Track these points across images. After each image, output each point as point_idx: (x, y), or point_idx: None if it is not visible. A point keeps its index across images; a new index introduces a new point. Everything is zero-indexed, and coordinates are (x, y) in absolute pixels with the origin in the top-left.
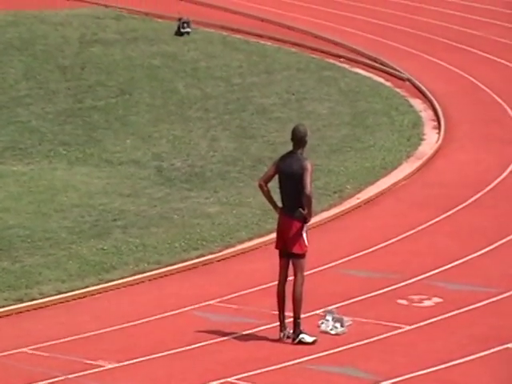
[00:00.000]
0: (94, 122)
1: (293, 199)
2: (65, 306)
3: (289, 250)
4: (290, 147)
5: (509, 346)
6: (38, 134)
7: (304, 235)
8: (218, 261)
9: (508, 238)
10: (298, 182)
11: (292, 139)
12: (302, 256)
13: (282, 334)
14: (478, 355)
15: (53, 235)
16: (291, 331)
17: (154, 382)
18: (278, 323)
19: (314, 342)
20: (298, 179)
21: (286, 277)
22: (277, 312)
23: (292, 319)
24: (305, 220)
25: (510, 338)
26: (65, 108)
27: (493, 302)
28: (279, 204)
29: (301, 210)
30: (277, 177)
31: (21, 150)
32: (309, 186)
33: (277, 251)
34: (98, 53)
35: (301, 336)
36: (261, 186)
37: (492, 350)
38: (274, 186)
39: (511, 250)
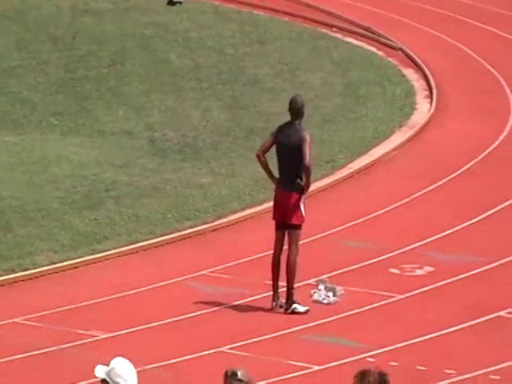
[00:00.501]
0: (86, 92)
1: (291, 170)
2: (57, 276)
3: (287, 222)
4: (282, 117)
5: (500, 314)
6: (30, 105)
7: (301, 206)
8: (211, 231)
9: (500, 207)
10: (297, 153)
11: (289, 110)
12: (299, 227)
13: (274, 304)
14: (469, 323)
15: (45, 206)
16: (284, 301)
17: (147, 351)
18: (271, 293)
19: (306, 312)
20: (296, 150)
21: (282, 247)
22: (270, 282)
23: (285, 289)
24: (302, 191)
25: (502, 306)
26: (56, 78)
27: (485, 270)
28: (276, 175)
29: (299, 181)
30: (274, 148)
31: (13, 121)
32: (308, 157)
33: (271, 222)
34: (89, 23)
35: (293, 306)
36: (258, 157)
37: (484, 319)
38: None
39: (503, 219)
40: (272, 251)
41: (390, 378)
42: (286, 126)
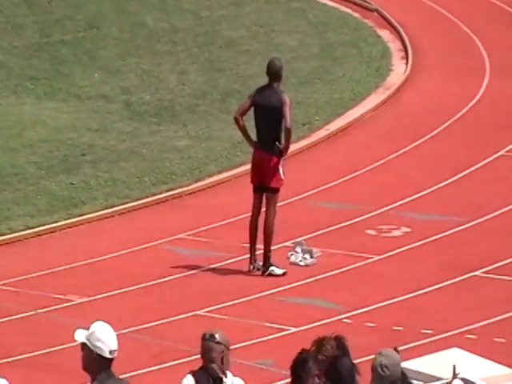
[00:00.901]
0: (62, 57)
1: (269, 133)
2: (34, 241)
3: (266, 185)
4: (258, 80)
5: (476, 273)
6: (5, 69)
7: (280, 169)
8: (188, 194)
9: (475, 167)
10: (276, 116)
11: (267, 73)
12: (277, 190)
13: (251, 267)
14: (446, 283)
15: (21, 170)
16: (261, 263)
17: (123, 315)
18: (249, 255)
19: (283, 274)
20: (276, 113)
21: (260, 210)
22: (247, 245)
23: (262, 252)
24: (281, 154)
25: (477, 265)
26: (32, 42)
27: (460, 230)
28: (254, 138)
29: (277, 143)
30: (252, 111)
31: None
32: (289, 119)
33: (248, 184)
34: None
35: (271, 269)
36: (236, 120)
37: (460, 278)
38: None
39: (478, 179)
40: (250, 214)
41: (347, 342)
42: (264, 88)
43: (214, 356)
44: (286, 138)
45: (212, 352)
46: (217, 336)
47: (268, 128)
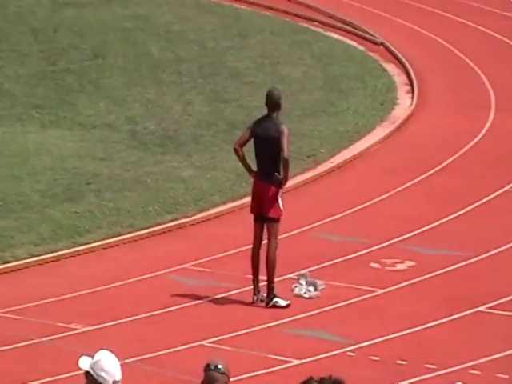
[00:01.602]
0: (67, 85)
1: (268, 163)
2: (38, 269)
3: (264, 215)
4: (263, 111)
5: (480, 309)
6: (11, 97)
7: (279, 199)
8: (192, 225)
9: (480, 202)
10: (275, 146)
11: (266, 103)
12: (277, 220)
13: (255, 298)
14: (450, 318)
15: (25, 198)
16: (265, 295)
17: (127, 344)
18: (252, 287)
19: (287, 306)
20: (274, 143)
21: (261, 241)
22: (251, 276)
23: (266, 283)
24: (280, 184)
25: (482, 301)
26: (38, 71)
27: (465, 265)
28: (254, 168)
29: (276, 174)
30: (252, 141)
31: None
32: (286, 150)
33: (251, 215)
34: (70, 15)
35: (275, 300)
36: (236, 150)
37: (464, 313)
38: (248, 150)
39: (483, 214)
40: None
41: None
42: (263, 118)
43: None
44: (283, 169)
45: (216, 382)
46: (221, 366)
47: (267, 158)
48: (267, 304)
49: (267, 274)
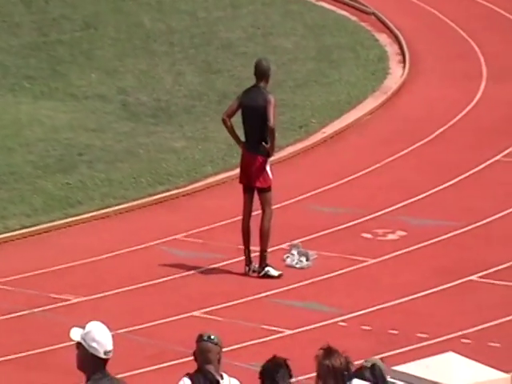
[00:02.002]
0: (59, 56)
1: (256, 133)
2: (30, 240)
3: (253, 185)
4: (254, 81)
5: (471, 278)
6: (2, 68)
7: (268, 169)
8: (184, 195)
9: (471, 172)
10: (261, 116)
11: (255, 73)
12: (268, 189)
13: (247, 269)
14: (441, 287)
15: (17, 170)
16: (257, 265)
17: (119, 315)
18: (244, 258)
19: (279, 276)
20: (261, 113)
21: (251, 212)
22: (242, 247)
23: (258, 253)
24: (268, 154)
25: (472, 270)
26: (29, 41)
27: (456, 235)
28: (242, 139)
29: (264, 144)
30: (240, 112)
31: None
32: (272, 119)
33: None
34: None
35: (267, 269)
36: (224, 121)
37: (455, 283)
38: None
39: (475, 184)
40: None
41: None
42: (251, 89)
43: (212, 357)
44: (270, 138)
45: (209, 353)
46: (214, 337)
47: (254, 128)
48: (259, 273)
49: (260, 242)
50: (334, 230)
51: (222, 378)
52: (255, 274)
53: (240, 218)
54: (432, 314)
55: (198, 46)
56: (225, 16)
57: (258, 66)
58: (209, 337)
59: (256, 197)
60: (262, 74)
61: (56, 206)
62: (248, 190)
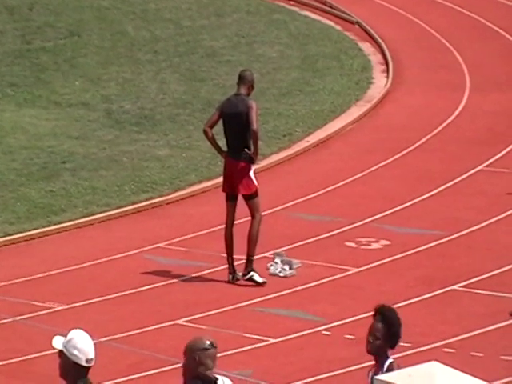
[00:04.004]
0: (43, 64)
1: (238, 140)
2: (13, 248)
3: (237, 192)
4: None
5: (454, 287)
6: None
7: (251, 174)
8: (168, 204)
9: (455, 181)
10: (243, 122)
11: (238, 83)
12: (254, 195)
13: (230, 277)
14: (424, 297)
15: (0, 177)
16: (240, 273)
17: (102, 323)
18: (227, 266)
19: (263, 284)
20: (243, 119)
21: (233, 220)
22: (226, 255)
23: (242, 261)
24: (251, 160)
25: (456, 279)
26: (13, 49)
27: (439, 244)
28: (224, 149)
29: (246, 150)
30: (221, 122)
31: None
32: (255, 123)
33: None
34: None
35: (252, 273)
36: (205, 132)
37: (438, 292)
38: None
39: (458, 194)
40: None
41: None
42: (231, 97)
43: (215, 362)
44: (253, 142)
45: (215, 359)
46: (212, 340)
47: (236, 135)
48: (244, 276)
49: (248, 247)
50: (318, 239)
51: (217, 379)
52: (238, 283)
53: (223, 226)
54: (415, 323)
55: (183, 54)
56: (209, 24)
57: (242, 75)
58: (211, 343)
59: (239, 205)
60: (244, 83)
61: (39, 214)
62: (231, 199)
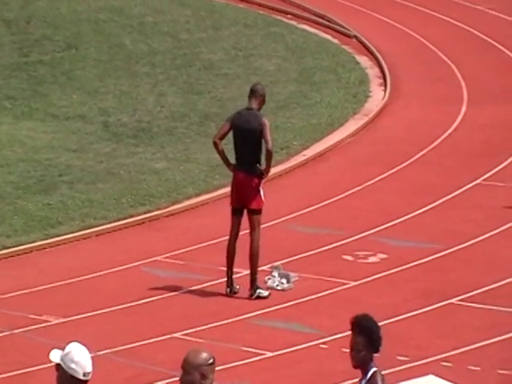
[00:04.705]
0: (40, 77)
1: (250, 155)
2: (10, 261)
3: (246, 206)
4: (237, 103)
5: (451, 301)
6: None
7: (261, 191)
8: (165, 217)
9: (452, 195)
10: (256, 138)
11: (249, 96)
12: (259, 212)
13: (228, 290)
14: (421, 310)
15: None
16: (237, 287)
17: (101, 337)
18: (226, 279)
19: (268, 296)
20: (256, 135)
21: (238, 233)
22: (224, 268)
23: (239, 274)
24: (262, 175)
25: (453, 293)
26: (10, 62)
27: (437, 258)
28: (232, 161)
29: (258, 165)
30: (231, 134)
31: None
32: (270, 142)
33: (225, 207)
34: (43, 6)
35: (258, 291)
36: (215, 144)
37: (435, 305)
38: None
39: (455, 207)
40: (227, 237)
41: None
42: (244, 111)
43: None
44: (267, 160)
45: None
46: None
47: (248, 150)
48: (251, 295)
49: (250, 265)
50: (315, 252)
51: None
52: (235, 296)
53: (221, 239)
54: (413, 337)
55: (180, 67)
56: (207, 37)
57: (253, 89)
58: (213, 356)
59: (244, 218)
60: (256, 97)
61: (36, 227)
62: (237, 212)
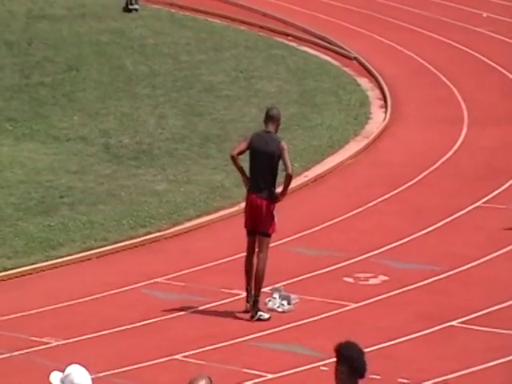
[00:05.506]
0: (41, 98)
1: (266, 178)
2: (11, 283)
3: (259, 230)
4: (237, 125)
5: (452, 323)
6: None
7: (275, 215)
8: (166, 238)
9: (453, 217)
10: (273, 162)
11: (266, 119)
12: (270, 235)
13: (247, 305)
14: (422, 333)
15: None
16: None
17: (101, 359)
18: (245, 294)
19: (269, 319)
20: (274, 159)
21: (254, 251)
22: (224, 289)
23: (239, 296)
24: (277, 199)
25: (454, 315)
26: (11, 84)
27: (438, 280)
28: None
29: (273, 190)
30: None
31: None
32: (290, 167)
33: (225, 229)
34: (45, 28)
35: (259, 313)
36: (234, 158)
37: (436, 328)
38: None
39: (456, 229)
40: (230, 258)
41: None
42: (263, 133)
43: None
44: (285, 184)
45: None
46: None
47: (265, 173)
48: (252, 317)
49: (255, 287)
50: (316, 274)
51: None
52: (237, 316)
53: (221, 261)
54: (414, 359)
55: (181, 89)
56: (207, 59)
57: (271, 114)
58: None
59: (240, 238)
60: (273, 121)
61: (37, 248)
62: (252, 233)
